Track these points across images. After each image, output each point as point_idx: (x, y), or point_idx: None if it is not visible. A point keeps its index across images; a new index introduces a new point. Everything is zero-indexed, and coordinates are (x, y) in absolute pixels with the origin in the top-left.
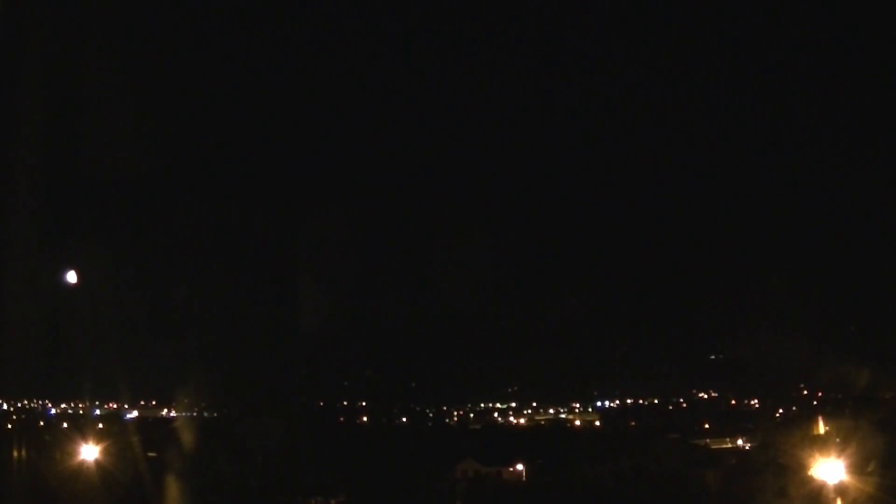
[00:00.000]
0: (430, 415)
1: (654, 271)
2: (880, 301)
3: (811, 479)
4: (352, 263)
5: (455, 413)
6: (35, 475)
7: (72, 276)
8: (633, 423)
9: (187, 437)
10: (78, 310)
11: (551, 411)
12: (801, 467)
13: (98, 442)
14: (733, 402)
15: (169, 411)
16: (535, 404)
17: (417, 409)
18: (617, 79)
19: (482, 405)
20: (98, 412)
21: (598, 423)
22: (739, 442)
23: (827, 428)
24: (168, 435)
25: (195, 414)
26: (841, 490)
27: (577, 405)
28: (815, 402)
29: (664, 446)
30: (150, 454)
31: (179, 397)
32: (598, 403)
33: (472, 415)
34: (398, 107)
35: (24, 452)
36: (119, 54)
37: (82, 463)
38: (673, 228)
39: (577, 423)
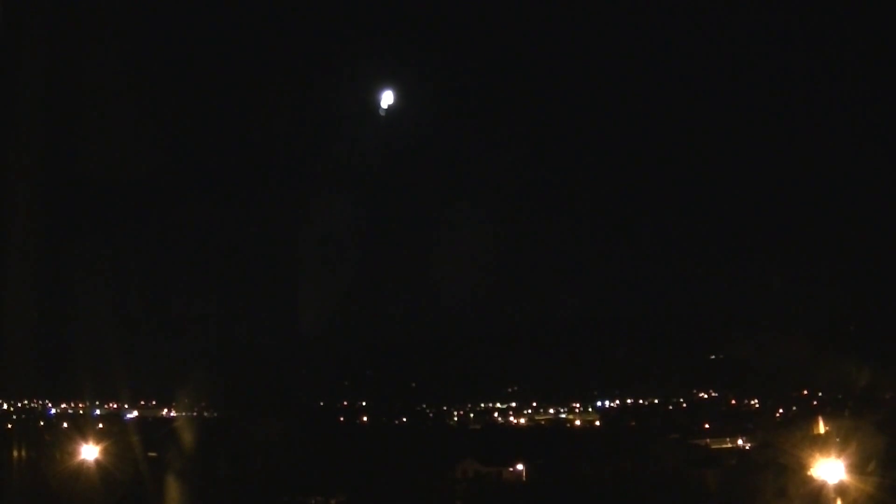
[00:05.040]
0: (430, 415)
1: (654, 271)
2: (880, 301)
3: (811, 478)
4: (352, 263)
5: (455, 413)
6: (35, 475)
7: (387, 99)
8: (633, 423)
9: (187, 437)
10: (78, 310)
11: (551, 411)
12: (801, 467)
13: (98, 442)
14: (733, 402)
15: (169, 411)
16: (535, 404)
17: (417, 408)
18: (615, 78)
19: (482, 405)
20: (98, 412)
21: (598, 423)
22: (739, 442)
23: (827, 428)
24: (168, 435)
25: (195, 414)
26: (841, 490)
27: (577, 405)
28: (815, 403)
29: (664, 446)
30: (150, 454)
31: (179, 397)
32: (598, 403)
33: (472, 415)
34: (399, 106)
35: (24, 452)
36: (119, 54)
37: (82, 463)
38: (673, 228)
39: (577, 423)
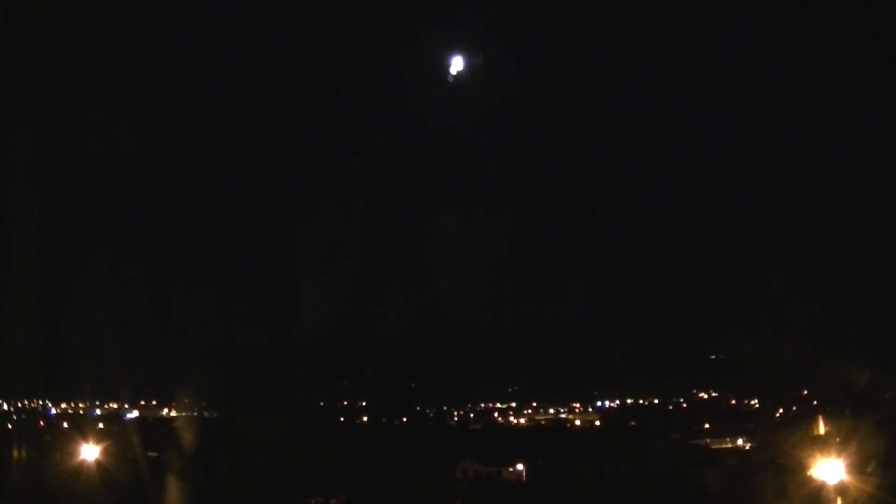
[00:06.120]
0: (431, 415)
1: (654, 271)
2: (880, 301)
3: (811, 479)
4: (352, 263)
5: (455, 413)
6: (35, 475)
7: (457, 64)
8: (633, 423)
9: (187, 437)
10: (78, 310)
11: (551, 411)
12: (801, 467)
13: (98, 442)
14: (733, 402)
15: (169, 411)
16: (535, 404)
17: (418, 408)
18: (616, 79)
19: (482, 405)
20: (98, 412)
21: (598, 423)
22: (739, 442)
23: (827, 428)
24: (168, 435)
25: (195, 414)
26: (841, 490)
27: (577, 405)
28: (815, 402)
29: (664, 446)
30: (150, 454)
31: (179, 397)
32: (598, 403)
33: (472, 415)
34: (400, 107)
35: (24, 452)
36: (119, 54)
37: (82, 463)
38: (673, 229)
39: (577, 423)
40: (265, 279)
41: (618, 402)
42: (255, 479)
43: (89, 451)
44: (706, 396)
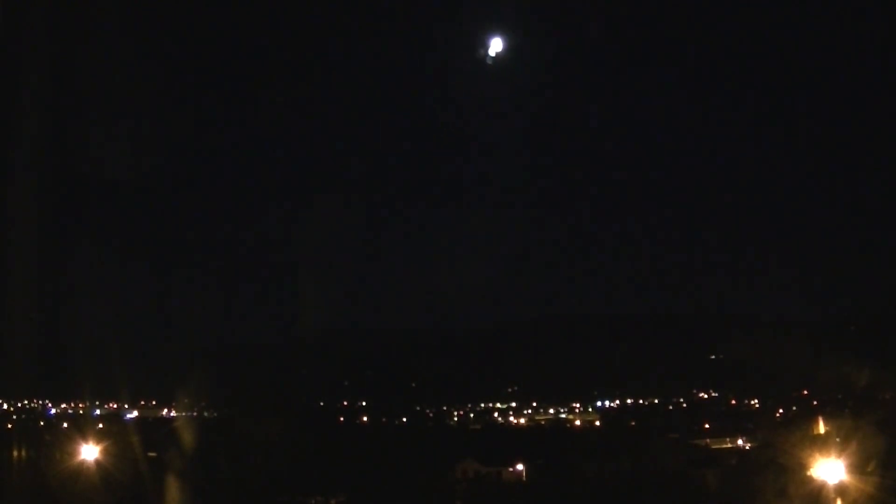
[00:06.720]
0: (431, 415)
1: (654, 271)
2: (880, 301)
3: (811, 479)
4: (353, 264)
5: (455, 413)
6: (35, 475)
7: (496, 46)
8: (633, 423)
9: (187, 437)
10: (78, 310)
11: (551, 411)
12: (801, 467)
13: (98, 442)
14: (733, 402)
15: (169, 411)
16: (535, 404)
17: (418, 409)
18: (618, 80)
19: (482, 405)
20: (98, 412)
21: (598, 423)
22: (739, 442)
23: (827, 428)
24: (168, 435)
25: (195, 414)
26: (841, 490)
27: (577, 405)
28: (815, 402)
29: (664, 446)
30: (150, 454)
31: (179, 397)
32: (598, 403)
33: (472, 415)
34: (402, 108)
35: (24, 452)
36: (119, 55)
37: (82, 463)
38: (673, 228)
39: (577, 423)
40: (265, 279)
41: (618, 402)
42: (255, 479)
43: (89, 451)
44: (706, 396)
